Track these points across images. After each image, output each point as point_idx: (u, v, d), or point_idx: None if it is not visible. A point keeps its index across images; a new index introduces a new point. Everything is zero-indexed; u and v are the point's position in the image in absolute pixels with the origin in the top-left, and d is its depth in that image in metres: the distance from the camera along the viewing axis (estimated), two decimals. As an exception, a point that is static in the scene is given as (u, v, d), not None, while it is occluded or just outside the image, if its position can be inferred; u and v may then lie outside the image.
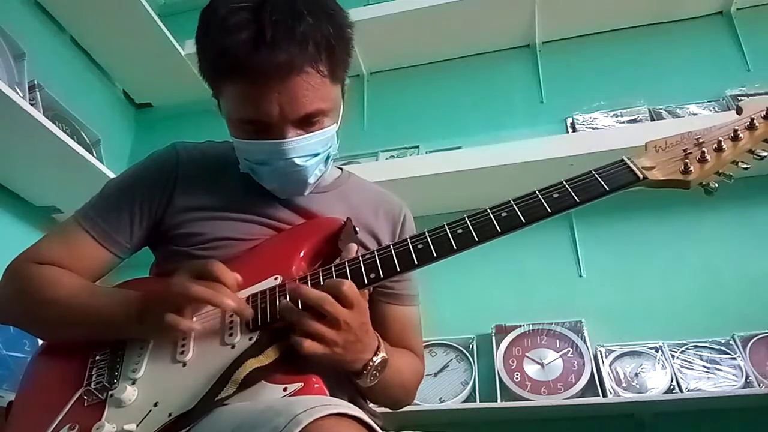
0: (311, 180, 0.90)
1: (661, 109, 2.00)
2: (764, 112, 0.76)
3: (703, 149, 0.75)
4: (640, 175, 0.76)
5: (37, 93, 1.73)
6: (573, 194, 0.76)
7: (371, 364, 0.79)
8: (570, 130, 2.06)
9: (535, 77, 2.23)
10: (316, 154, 0.87)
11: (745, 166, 0.75)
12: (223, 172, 0.95)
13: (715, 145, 0.75)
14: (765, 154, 0.75)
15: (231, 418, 0.65)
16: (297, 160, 0.85)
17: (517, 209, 0.77)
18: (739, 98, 1.92)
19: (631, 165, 0.77)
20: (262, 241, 0.91)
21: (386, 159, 2.15)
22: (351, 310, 0.75)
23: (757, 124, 0.76)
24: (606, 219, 1.87)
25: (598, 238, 1.91)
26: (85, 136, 1.95)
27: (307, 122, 0.84)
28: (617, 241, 1.89)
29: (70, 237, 0.93)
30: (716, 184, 0.76)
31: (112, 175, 1.82)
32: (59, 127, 1.70)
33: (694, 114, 1.95)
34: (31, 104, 1.62)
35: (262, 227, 0.92)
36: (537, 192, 0.78)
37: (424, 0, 2.15)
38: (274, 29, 0.77)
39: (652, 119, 1.97)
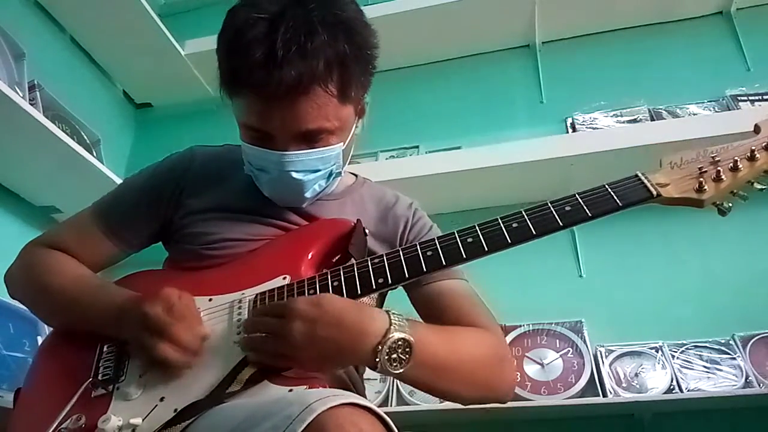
0: (308, 194, 0.91)
1: (661, 109, 2.00)
2: None
3: (719, 168, 0.74)
4: (654, 192, 0.75)
5: (37, 93, 1.73)
6: (585, 208, 0.76)
7: (380, 348, 0.70)
8: (570, 130, 2.06)
9: (535, 77, 2.22)
10: (316, 170, 0.88)
11: (760, 187, 0.74)
12: (236, 174, 0.96)
13: (731, 164, 0.74)
14: None
15: (241, 409, 0.66)
16: (294, 174, 0.86)
17: (528, 221, 0.76)
18: (739, 98, 1.92)
19: (646, 181, 0.76)
20: (271, 240, 0.92)
21: (386, 159, 2.15)
22: (282, 319, 0.73)
23: None
24: (606, 219, 1.85)
25: (598, 238, 1.90)
26: (85, 136, 1.95)
27: (310, 138, 0.85)
28: (617, 241, 1.88)
29: (82, 227, 0.99)
30: (730, 204, 0.75)
31: (112, 175, 1.85)
32: (59, 127, 1.69)
33: (694, 114, 1.95)
34: (31, 104, 1.62)
35: (271, 228, 0.94)
36: (549, 204, 0.77)
37: (424, 0, 2.15)
38: (285, 48, 0.77)
39: (652, 119, 1.97)
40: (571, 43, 2.25)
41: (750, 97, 1.92)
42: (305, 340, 0.71)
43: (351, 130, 0.92)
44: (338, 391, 0.62)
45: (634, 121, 1.99)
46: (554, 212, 0.76)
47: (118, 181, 1.88)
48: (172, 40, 2.27)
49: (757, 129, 0.79)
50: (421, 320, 0.89)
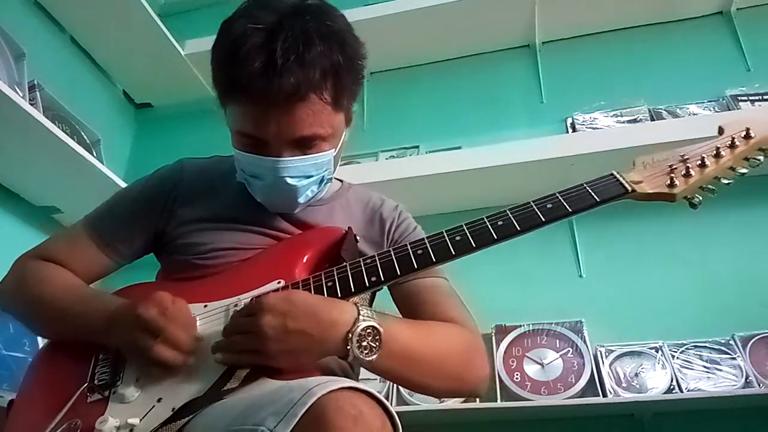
0: (301, 200, 0.93)
1: (661, 109, 2.00)
2: (744, 132, 0.83)
3: (688, 165, 0.80)
4: (629, 188, 0.80)
5: (37, 93, 1.73)
6: (565, 205, 0.80)
7: (350, 336, 0.73)
8: (570, 130, 2.06)
9: (535, 77, 2.23)
10: (309, 176, 0.90)
11: (726, 181, 0.81)
12: (227, 184, 0.99)
13: (699, 161, 0.81)
14: (744, 171, 0.81)
15: (242, 401, 0.67)
16: (289, 180, 0.88)
17: (512, 218, 0.80)
18: (739, 98, 1.92)
19: (620, 178, 0.82)
20: (267, 248, 0.94)
21: (386, 159, 2.15)
22: (253, 316, 0.75)
23: (737, 143, 0.82)
24: (606, 219, 1.86)
25: (598, 238, 1.90)
26: (85, 136, 1.95)
27: (304, 144, 0.87)
28: (617, 241, 1.89)
29: (74, 239, 1.00)
30: (700, 198, 0.80)
31: (111, 175, 1.85)
32: (59, 127, 1.70)
33: (694, 114, 1.95)
34: (31, 104, 1.62)
35: (261, 237, 0.95)
36: (531, 202, 0.82)
37: (424, 0, 2.15)
38: (284, 57, 0.80)
39: (652, 119, 1.97)
40: (571, 43, 2.25)
41: (750, 97, 1.92)
42: (276, 334, 0.72)
43: (341, 138, 0.94)
44: (338, 378, 0.63)
45: (634, 121, 1.99)
46: (536, 210, 0.80)
47: (118, 181, 1.88)
48: (172, 40, 2.27)
49: (721, 131, 0.86)
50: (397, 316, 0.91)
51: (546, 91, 2.19)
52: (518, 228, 0.79)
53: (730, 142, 0.82)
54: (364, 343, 0.73)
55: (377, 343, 0.74)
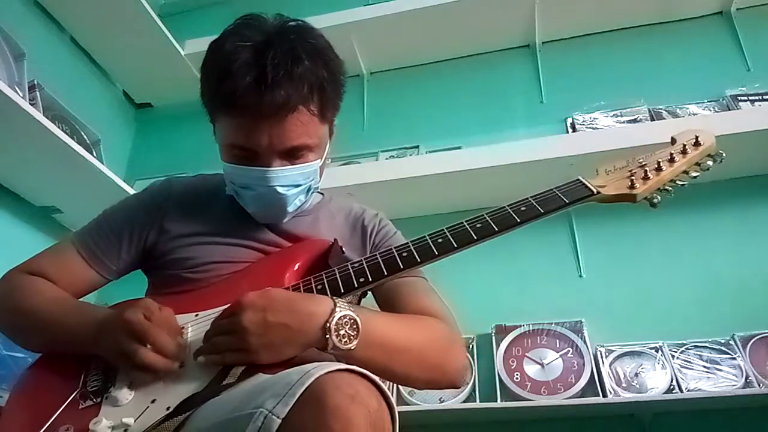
0: (290, 209, 0.97)
1: (661, 109, 2.00)
2: (693, 141, 0.92)
3: (646, 169, 0.89)
4: (594, 190, 0.88)
5: (37, 93, 1.73)
6: (537, 206, 0.87)
7: (328, 325, 0.75)
8: (570, 130, 2.06)
9: (535, 77, 2.23)
10: (298, 185, 0.94)
11: (681, 183, 0.90)
12: (214, 200, 1.02)
13: (656, 166, 0.90)
14: (696, 174, 0.91)
15: (240, 391, 0.68)
16: (279, 189, 0.92)
17: (489, 220, 0.87)
18: (739, 98, 1.92)
19: (586, 182, 0.90)
20: (257, 261, 0.96)
21: (386, 159, 2.15)
22: (231, 317, 0.77)
23: (688, 150, 0.92)
24: (606, 219, 1.87)
25: (598, 238, 1.91)
26: (85, 136, 1.95)
27: (293, 155, 0.92)
28: (617, 241, 1.89)
29: (62, 254, 1.00)
30: (659, 198, 0.89)
31: (111, 175, 1.85)
32: (59, 127, 1.69)
33: (694, 114, 1.95)
34: (31, 104, 1.62)
35: (250, 250, 0.97)
36: (506, 206, 0.89)
37: (424, 0, 2.15)
38: (274, 71, 0.85)
39: (652, 119, 1.97)
40: (571, 43, 2.25)
41: (750, 97, 1.92)
42: (257, 329, 0.75)
43: (326, 149, 0.99)
44: (335, 363, 0.65)
45: (634, 121, 1.99)
46: (511, 212, 0.87)
47: (118, 181, 1.89)
48: (172, 40, 2.28)
49: (673, 141, 0.95)
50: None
51: (546, 91, 2.19)
52: (496, 229, 0.85)
53: (681, 149, 0.92)
54: (342, 332, 0.75)
55: (355, 332, 0.76)
